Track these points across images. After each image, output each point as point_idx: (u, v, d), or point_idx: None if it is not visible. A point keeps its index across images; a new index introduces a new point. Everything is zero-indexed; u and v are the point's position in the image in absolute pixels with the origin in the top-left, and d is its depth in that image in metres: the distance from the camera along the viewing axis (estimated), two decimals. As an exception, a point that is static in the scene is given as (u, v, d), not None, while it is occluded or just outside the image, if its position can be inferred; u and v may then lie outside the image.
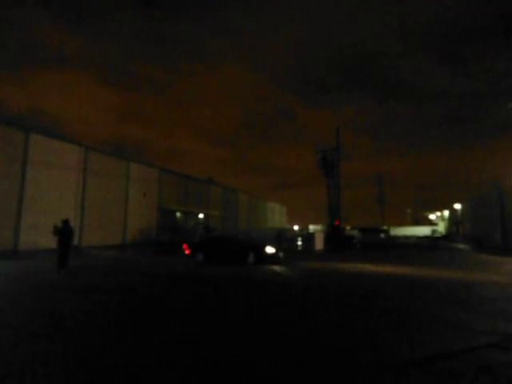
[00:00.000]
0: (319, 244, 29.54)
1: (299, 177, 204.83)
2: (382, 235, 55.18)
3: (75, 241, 23.49)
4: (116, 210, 29.32)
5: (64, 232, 12.98)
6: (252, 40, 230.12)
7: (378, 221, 64.13)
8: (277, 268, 14.83)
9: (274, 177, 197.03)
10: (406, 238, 64.13)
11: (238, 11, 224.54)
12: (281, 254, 17.17)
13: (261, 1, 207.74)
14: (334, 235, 31.85)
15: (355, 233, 48.50)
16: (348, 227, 55.49)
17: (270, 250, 16.38)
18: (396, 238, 59.42)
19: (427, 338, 5.37)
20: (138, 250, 26.23)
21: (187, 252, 17.62)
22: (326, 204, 35.94)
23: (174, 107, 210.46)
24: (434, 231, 67.95)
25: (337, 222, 33.86)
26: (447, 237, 53.27)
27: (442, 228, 73.04)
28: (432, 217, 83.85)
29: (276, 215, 75.11)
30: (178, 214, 36.35)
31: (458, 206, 55.50)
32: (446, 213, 70.44)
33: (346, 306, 7.70)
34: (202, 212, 39.82)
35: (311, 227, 78.06)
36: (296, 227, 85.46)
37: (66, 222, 13.25)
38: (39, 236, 22.05)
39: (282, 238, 38.14)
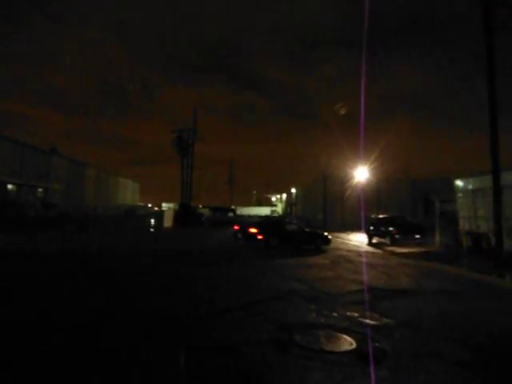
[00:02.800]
0: (168, 221, 30.46)
1: (155, 153, 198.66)
2: (230, 214, 59.23)
3: None
4: None
5: None
6: (116, 8, 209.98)
7: (228, 200, 68.45)
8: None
9: (127, 151, 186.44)
10: (250, 216, 70.53)
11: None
12: None
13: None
14: (183, 213, 33.21)
15: (206, 211, 51.00)
16: (200, 206, 57.69)
17: (329, 236, 17.40)
18: (242, 216, 64.74)
19: (232, 294, 7.01)
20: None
21: (260, 236, 16.79)
22: (180, 182, 37.00)
23: (13, 63, 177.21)
24: (272, 211, 76.24)
25: (184, 202, 35.19)
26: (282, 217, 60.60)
27: (280, 209, 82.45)
28: (273, 199, 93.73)
29: (128, 192, 72.36)
30: (10, 187, 32.05)
31: (293, 190, 63.62)
32: (284, 196, 79.83)
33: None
34: (40, 185, 35.93)
35: (164, 205, 78.02)
36: (149, 205, 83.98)
37: None
38: None
39: (131, 216, 37.56)
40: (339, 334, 4.90)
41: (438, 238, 18.81)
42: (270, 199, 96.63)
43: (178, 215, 33.49)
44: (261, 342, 4.47)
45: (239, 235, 19.84)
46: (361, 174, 33.00)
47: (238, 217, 60.51)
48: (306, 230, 18.11)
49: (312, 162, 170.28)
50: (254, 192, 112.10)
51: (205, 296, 6.91)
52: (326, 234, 17.79)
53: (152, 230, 28.27)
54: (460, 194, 17.62)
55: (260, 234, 17.43)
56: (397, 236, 18.57)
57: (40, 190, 36.38)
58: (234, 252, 14.32)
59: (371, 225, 21.72)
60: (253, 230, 17.67)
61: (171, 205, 68.76)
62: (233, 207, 60.59)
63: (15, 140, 34.75)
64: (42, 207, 33.67)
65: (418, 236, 18.67)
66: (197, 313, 5.67)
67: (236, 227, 20.80)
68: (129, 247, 15.50)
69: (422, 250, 17.17)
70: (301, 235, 17.08)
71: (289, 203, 70.51)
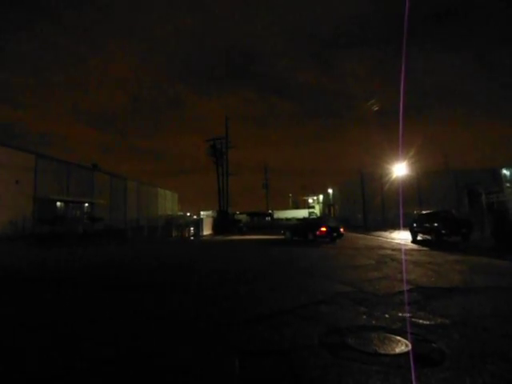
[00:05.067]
0: (207, 229, 30.94)
1: (191, 164, 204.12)
2: (267, 218, 59.34)
3: None
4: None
5: None
6: (140, 25, 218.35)
7: (264, 205, 68.56)
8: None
9: (165, 164, 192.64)
10: (287, 220, 70.24)
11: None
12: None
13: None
14: (221, 220, 33.62)
15: (243, 217, 51.38)
16: (237, 212, 58.13)
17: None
18: (279, 220, 64.62)
19: (279, 298, 7.03)
20: (12, 244, 24.12)
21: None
22: (216, 190, 37.52)
23: (53, 88, 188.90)
24: (310, 213, 75.32)
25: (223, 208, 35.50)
26: (321, 218, 59.78)
27: (317, 210, 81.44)
28: (310, 200, 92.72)
29: (167, 202, 74.32)
30: (59, 204, 33.90)
31: (330, 191, 62.81)
32: (321, 197, 78.84)
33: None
34: (86, 201, 37.74)
35: (202, 213, 79.36)
36: (188, 214, 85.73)
37: None
38: None
39: (172, 225, 38.42)
40: (393, 336, 4.79)
41: (486, 231, 17.92)
42: (306, 201, 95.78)
43: (216, 222, 33.95)
44: (311, 346, 4.45)
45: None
46: (399, 169, 32.09)
47: (276, 220, 60.52)
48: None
49: (347, 161, 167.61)
50: (290, 195, 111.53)
51: (249, 299, 6.99)
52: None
53: (192, 238, 28.87)
54: (508, 184, 16.74)
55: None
56: (443, 232, 17.83)
57: (86, 205, 38.17)
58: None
59: (415, 221, 21.02)
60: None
61: (209, 212, 69.86)
62: (270, 211, 60.63)
63: (60, 159, 36.78)
64: (89, 222, 35.32)
65: (465, 231, 17.84)
66: (244, 316, 5.75)
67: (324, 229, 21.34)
68: (177, 259, 15.92)
69: (471, 244, 16.43)
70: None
71: (326, 204, 69.65)
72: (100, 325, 5.60)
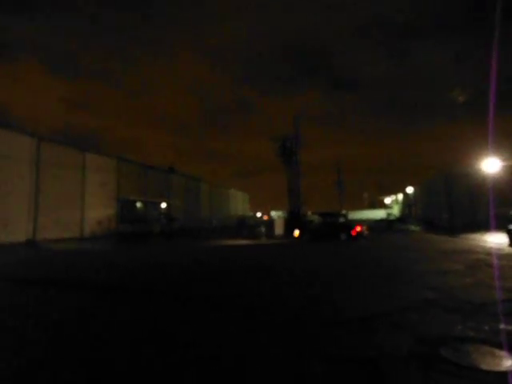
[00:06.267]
0: (279, 229, 30.66)
1: (260, 164, 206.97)
2: (342, 219, 57.08)
3: (30, 234, 23.21)
4: (73, 202, 28.73)
5: None
6: (204, 30, 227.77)
7: (338, 205, 66.52)
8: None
9: (235, 165, 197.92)
10: (363, 221, 67.16)
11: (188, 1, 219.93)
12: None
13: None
14: (291, 221, 33.02)
15: (315, 217, 50.19)
16: (310, 212, 57.01)
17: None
18: (354, 221, 62.11)
19: (360, 303, 6.46)
20: (105, 242, 26.16)
21: None
22: (286, 190, 37.08)
23: (129, 97, 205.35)
24: (389, 214, 71.26)
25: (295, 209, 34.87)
26: (401, 219, 56.29)
27: (396, 211, 76.91)
28: (387, 200, 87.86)
29: (238, 203, 75.65)
30: (139, 205, 36.10)
31: (410, 190, 58.86)
32: (400, 196, 74.28)
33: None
34: (163, 202, 39.73)
35: (273, 213, 79.56)
36: (259, 214, 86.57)
37: None
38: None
39: (243, 225, 38.90)
40: (495, 350, 4.02)
41: None
42: (384, 201, 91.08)
43: (287, 223, 33.45)
44: (401, 356, 3.95)
45: None
46: (491, 165, 28.78)
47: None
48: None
49: (429, 158, 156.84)
50: (366, 195, 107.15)
51: (328, 303, 6.50)
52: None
53: (264, 238, 28.82)
54: None
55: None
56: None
57: (163, 205, 40.19)
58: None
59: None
60: None
61: (280, 213, 69.68)
62: (344, 212, 58.56)
63: (139, 162, 39.21)
64: (166, 221, 37.13)
65: None
66: (324, 320, 5.36)
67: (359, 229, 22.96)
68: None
69: None
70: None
71: (406, 204, 65.49)
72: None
